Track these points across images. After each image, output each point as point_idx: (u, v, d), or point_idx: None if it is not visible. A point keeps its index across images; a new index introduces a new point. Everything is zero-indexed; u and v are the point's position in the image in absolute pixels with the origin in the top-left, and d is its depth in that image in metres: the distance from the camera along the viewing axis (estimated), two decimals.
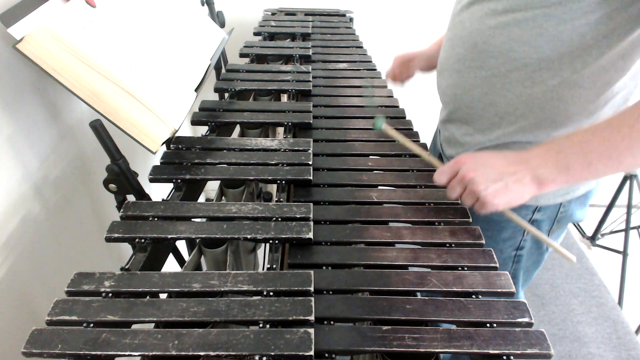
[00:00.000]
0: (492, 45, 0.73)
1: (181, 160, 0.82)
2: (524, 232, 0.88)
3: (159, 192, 1.10)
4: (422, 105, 1.46)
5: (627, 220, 1.95)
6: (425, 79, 1.15)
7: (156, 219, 0.70)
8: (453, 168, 0.70)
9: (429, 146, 0.93)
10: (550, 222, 0.88)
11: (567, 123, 0.75)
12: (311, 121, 0.95)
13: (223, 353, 0.51)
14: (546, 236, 0.72)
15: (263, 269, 0.68)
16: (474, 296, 0.61)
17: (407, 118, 1.00)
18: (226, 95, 1.08)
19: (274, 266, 0.65)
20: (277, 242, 0.67)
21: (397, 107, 1.04)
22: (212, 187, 2.09)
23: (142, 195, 0.77)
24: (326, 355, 0.54)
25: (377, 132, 0.95)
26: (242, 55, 1.25)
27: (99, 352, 0.51)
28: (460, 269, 0.65)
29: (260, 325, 0.54)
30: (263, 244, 0.87)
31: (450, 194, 0.71)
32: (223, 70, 1.22)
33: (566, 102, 0.73)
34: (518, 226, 0.86)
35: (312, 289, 0.59)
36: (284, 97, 1.16)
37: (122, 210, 0.71)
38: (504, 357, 0.53)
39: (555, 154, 0.65)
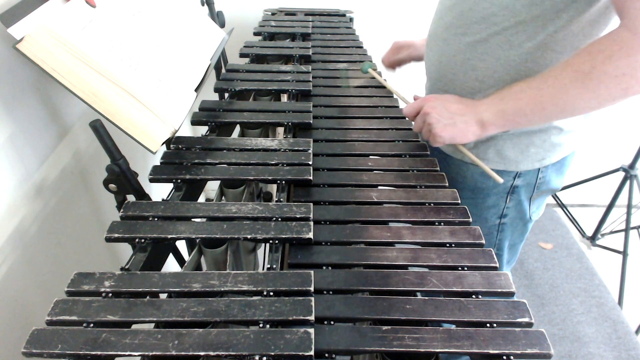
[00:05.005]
0: (476, 12, 0.81)
1: (181, 160, 0.82)
2: (506, 198, 0.95)
3: (159, 192, 1.10)
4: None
5: (627, 220, 1.95)
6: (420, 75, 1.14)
7: (156, 219, 0.70)
8: (419, 104, 0.84)
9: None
10: (531, 188, 0.94)
11: None
12: (311, 121, 0.95)
13: (223, 353, 0.51)
14: (478, 160, 0.86)
15: (263, 269, 0.68)
16: (474, 296, 0.61)
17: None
18: (226, 95, 1.08)
19: (274, 266, 0.65)
20: (277, 242, 0.67)
21: (397, 107, 1.04)
22: (212, 187, 2.09)
23: (142, 195, 0.77)
24: (326, 355, 0.54)
25: (376, 134, 0.95)
26: (242, 55, 1.25)
27: (99, 352, 0.51)
28: (460, 269, 0.65)
29: (260, 325, 0.54)
30: (263, 244, 0.87)
31: (415, 126, 0.86)
32: (223, 70, 1.22)
33: (540, 65, 0.80)
34: (501, 193, 0.95)
35: (312, 289, 0.59)
36: (284, 97, 1.15)
37: (122, 210, 0.71)
38: (504, 357, 0.53)
39: (499, 101, 0.77)
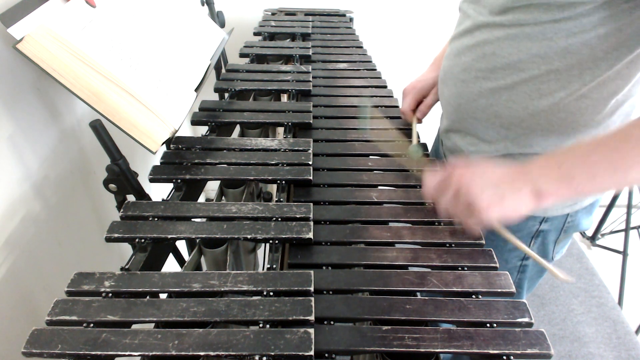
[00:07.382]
0: (500, 56, 0.72)
1: (181, 160, 0.82)
2: (530, 242, 0.86)
3: (159, 192, 1.10)
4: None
5: (627, 220, 1.95)
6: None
7: (156, 219, 0.70)
8: (445, 175, 0.63)
9: (429, 154, 0.91)
10: (557, 232, 0.86)
11: (574, 134, 0.73)
12: (311, 121, 0.95)
13: (223, 353, 0.51)
14: (545, 261, 0.67)
15: (263, 269, 0.68)
16: (474, 296, 0.61)
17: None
18: (226, 95, 1.08)
19: (274, 266, 0.65)
20: (277, 242, 0.67)
21: (397, 107, 1.04)
22: (212, 187, 2.09)
23: (142, 195, 0.77)
24: (326, 355, 0.54)
25: (379, 133, 0.95)
26: (242, 55, 1.25)
27: (99, 352, 0.51)
28: (460, 269, 0.65)
29: (260, 325, 0.54)
30: (263, 244, 0.87)
31: (443, 207, 0.63)
32: (223, 70, 1.22)
33: (573, 114, 0.71)
34: (525, 237, 0.84)
35: (312, 289, 0.59)
36: (284, 97, 1.15)
37: (122, 210, 0.71)
38: (504, 357, 0.53)
39: (558, 167, 0.59)
